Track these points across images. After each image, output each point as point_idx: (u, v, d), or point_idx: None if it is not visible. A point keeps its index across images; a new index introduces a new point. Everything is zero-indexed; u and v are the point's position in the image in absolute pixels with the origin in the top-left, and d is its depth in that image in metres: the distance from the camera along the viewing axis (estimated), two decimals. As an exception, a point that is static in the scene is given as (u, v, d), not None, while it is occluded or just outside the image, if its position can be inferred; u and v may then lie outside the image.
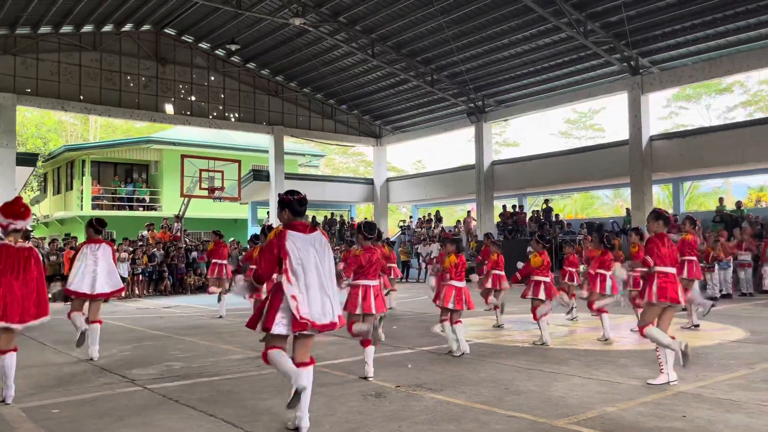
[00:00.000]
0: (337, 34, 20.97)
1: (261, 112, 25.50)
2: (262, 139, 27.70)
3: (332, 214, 29.00)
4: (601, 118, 34.60)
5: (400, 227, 28.42)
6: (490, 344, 8.31)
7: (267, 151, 26.52)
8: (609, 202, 32.76)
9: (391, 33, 20.61)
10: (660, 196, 26.52)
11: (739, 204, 19.10)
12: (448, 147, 44.35)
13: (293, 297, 4.06)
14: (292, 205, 4.38)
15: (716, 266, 13.98)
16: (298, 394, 4.03)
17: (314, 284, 4.17)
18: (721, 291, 14.26)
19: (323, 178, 31.15)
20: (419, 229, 26.28)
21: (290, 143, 30.94)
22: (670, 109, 31.44)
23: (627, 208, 22.17)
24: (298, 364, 4.19)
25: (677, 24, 16.91)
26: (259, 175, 25.79)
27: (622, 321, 10.22)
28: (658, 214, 5.99)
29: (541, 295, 7.99)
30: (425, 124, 27.10)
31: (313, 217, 27.41)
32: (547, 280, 8.09)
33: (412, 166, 40.84)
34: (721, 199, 19.88)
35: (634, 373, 6.12)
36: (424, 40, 20.62)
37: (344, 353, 7.37)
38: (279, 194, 4.49)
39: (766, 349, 7.42)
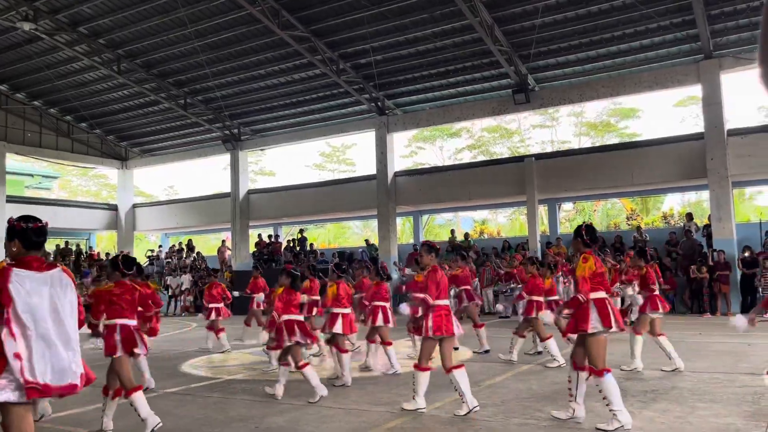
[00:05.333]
0: (76, 45, 19.00)
1: (-23, 125, 21.93)
2: (-22, 156, 23.72)
3: (67, 242, 25.89)
4: (352, 153, 36.59)
5: (149, 257, 26.50)
6: (242, 380, 8.04)
7: (-16, 170, 22.81)
8: (359, 232, 34.59)
9: (140, 51, 19.34)
10: (405, 227, 28.78)
11: (467, 235, 21.59)
12: (203, 173, 42.95)
13: (16, 356, 3.19)
14: (27, 235, 3.48)
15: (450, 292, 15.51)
16: None
17: (50, 337, 3.32)
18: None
19: (56, 202, 27.74)
20: (169, 260, 24.79)
21: (16, 162, 27.06)
22: (411, 149, 34.53)
23: (366, 239, 23.80)
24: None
25: (416, 72, 18.71)
26: (-28, 197, 22.04)
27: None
28: (430, 247, 5.94)
29: (338, 329, 7.49)
30: (178, 149, 25.87)
31: (57, 246, 24.28)
32: (348, 311, 7.68)
33: (163, 192, 38.56)
34: (452, 231, 22.28)
35: (381, 399, 6.39)
36: (176, 62, 19.73)
37: (76, 403, 6.45)
38: (9, 220, 3.54)
39: (489, 366, 8.35)
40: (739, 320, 4.94)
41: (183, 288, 22.40)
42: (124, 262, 5.61)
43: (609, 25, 15.80)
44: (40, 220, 3.58)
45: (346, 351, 7.50)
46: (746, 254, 15.31)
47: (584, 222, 6.00)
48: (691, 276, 15.61)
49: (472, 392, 5.53)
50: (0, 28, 18.37)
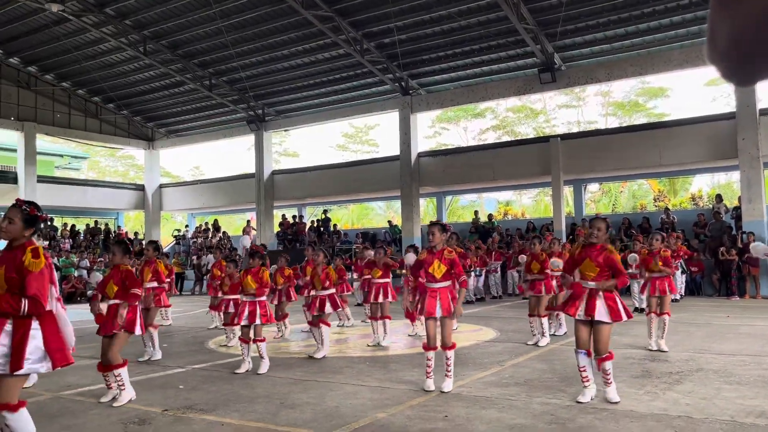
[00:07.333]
0: (103, 26, 19.19)
1: (8, 106, 22.34)
2: (9, 137, 24.26)
3: (96, 222, 26.41)
4: (375, 133, 36.52)
5: (175, 237, 26.92)
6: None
7: (15, 150, 23.28)
8: (382, 213, 34.63)
9: (165, 31, 19.46)
10: (428, 208, 28.74)
11: (490, 217, 21.50)
12: (228, 154, 43.28)
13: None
14: (39, 226, 3.78)
15: (472, 273, 15.49)
16: None
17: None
18: (475, 295, 15.84)
19: (86, 182, 28.25)
20: (195, 239, 25.13)
21: (46, 142, 27.57)
22: (435, 129, 34.35)
23: (389, 220, 23.72)
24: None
25: (441, 51, 18.54)
26: (5, 177, 22.63)
27: (396, 326, 10.77)
28: (443, 227, 6.02)
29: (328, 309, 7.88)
30: (203, 129, 26.09)
31: (87, 226, 24.80)
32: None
33: (189, 173, 39.02)
34: (476, 212, 22.18)
35: (402, 377, 6.44)
36: (201, 43, 19.83)
37: (101, 378, 6.62)
38: (31, 208, 3.62)
39: (512, 346, 8.35)
40: (760, 246, 4.86)
41: (209, 267, 22.69)
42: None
43: (638, 2, 15.43)
44: None
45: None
46: (777, 236, 15.00)
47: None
48: (719, 258, 15.36)
49: (495, 371, 5.55)
50: (29, 10, 18.63)
